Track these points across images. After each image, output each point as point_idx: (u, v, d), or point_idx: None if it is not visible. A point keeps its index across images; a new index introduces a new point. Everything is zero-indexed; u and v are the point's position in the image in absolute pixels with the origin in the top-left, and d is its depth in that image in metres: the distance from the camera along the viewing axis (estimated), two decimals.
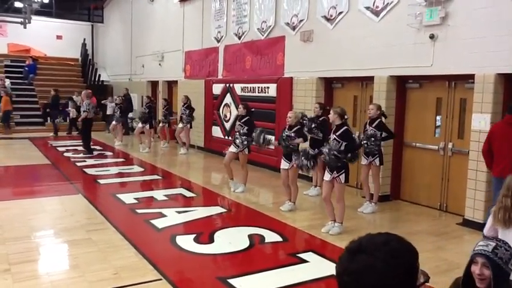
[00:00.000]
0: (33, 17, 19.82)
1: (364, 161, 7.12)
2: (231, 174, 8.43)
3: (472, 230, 6.16)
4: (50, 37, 21.89)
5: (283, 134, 6.96)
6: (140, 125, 13.32)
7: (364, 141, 6.95)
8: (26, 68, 20.12)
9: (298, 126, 7.04)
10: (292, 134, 6.89)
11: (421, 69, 7.13)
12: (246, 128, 8.05)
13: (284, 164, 7.06)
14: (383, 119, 7.11)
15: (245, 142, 8.03)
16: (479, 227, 6.22)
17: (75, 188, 8.39)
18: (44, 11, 22.12)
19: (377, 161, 7.05)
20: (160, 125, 13.98)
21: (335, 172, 5.88)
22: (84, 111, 12.18)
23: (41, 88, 19.61)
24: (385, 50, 7.67)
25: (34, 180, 9.34)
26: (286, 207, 7.09)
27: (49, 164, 10.99)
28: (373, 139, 6.93)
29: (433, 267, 4.52)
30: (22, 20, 19.47)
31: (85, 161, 11.30)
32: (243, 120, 8.15)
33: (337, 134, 5.94)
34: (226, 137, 12.12)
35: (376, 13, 7.81)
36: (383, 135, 7.01)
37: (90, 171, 10.01)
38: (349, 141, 6.00)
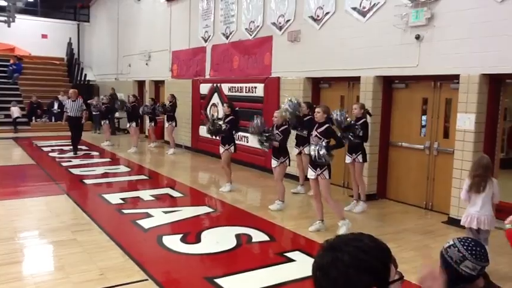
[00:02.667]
0: (18, 16, 19.49)
1: (348, 159, 7.15)
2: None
3: (457, 229, 6.21)
4: (35, 36, 21.63)
5: (266, 134, 6.92)
6: (128, 124, 13.25)
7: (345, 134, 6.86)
8: (10, 68, 19.85)
9: (285, 126, 7.05)
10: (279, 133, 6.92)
11: (407, 70, 7.19)
12: (228, 126, 8.05)
13: (273, 163, 7.08)
14: (368, 118, 7.15)
15: (228, 141, 8.03)
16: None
17: (61, 189, 8.30)
18: (29, 10, 21.84)
19: (360, 158, 7.08)
20: (148, 124, 13.91)
21: (318, 169, 5.91)
22: (84, 110, 12.12)
23: (25, 88, 19.37)
24: (371, 51, 7.72)
25: (18, 180, 9.20)
26: (275, 207, 7.09)
27: (34, 164, 10.85)
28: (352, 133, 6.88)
29: (419, 265, 4.56)
30: (6, 18, 19.17)
31: (70, 161, 11.19)
32: (227, 119, 8.15)
33: (319, 130, 5.97)
34: (213, 137, 12.07)
35: (363, 14, 7.86)
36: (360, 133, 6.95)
37: (76, 171, 9.91)
38: (335, 138, 6.07)
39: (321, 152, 5.75)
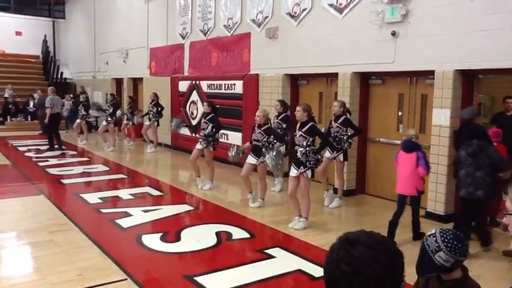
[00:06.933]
0: None
1: (327, 154, 7.22)
2: (198, 171, 8.41)
3: (435, 222, 6.34)
4: (9, 33, 21.12)
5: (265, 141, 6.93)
6: (104, 123, 13.11)
7: (336, 139, 7.03)
8: None
9: (268, 125, 7.07)
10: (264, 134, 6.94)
11: (384, 66, 7.28)
12: (210, 125, 8.03)
13: (251, 159, 7.07)
14: (348, 115, 7.23)
15: (210, 139, 8.03)
16: (441, 219, 6.43)
17: (37, 189, 8.15)
18: (1, 6, 21.35)
19: (341, 157, 7.16)
20: (125, 122, 13.80)
21: (302, 167, 5.94)
22: (47, 107, 12.04)
23: (1, 86, 18.94)
24: (348, 47, 7.79)
25: None
26: (255, 204, 7.11)
27: (9, 164, 10.64)
28: (342, 139, 7.02)
29: None
30: None
31: (48, 160, 11.00)
32: (208, 117, 8.13)
33: (303, 130, 6.00)
34: (193, 135, 12.04)
35: (340, 10, 7.91)
36: (349, 133, 7.10)
37: (53, 171, 9.75)
38: (320, 136, 6.14)
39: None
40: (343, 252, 1.20)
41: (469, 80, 6.52)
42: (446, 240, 2.34)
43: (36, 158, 11.43)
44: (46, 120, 12.42)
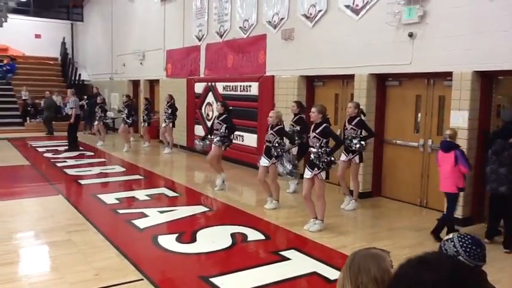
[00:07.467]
0: (10, 16, 19.38)
1: (343, 157, 7.17)
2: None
3: None
4: (28, 36, 21.55)
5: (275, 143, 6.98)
6: (122, 125, 13.25)
7: (347, 142, 7.01)
8: (4, 68, 19.78)
9: (280, 126, 7.06)
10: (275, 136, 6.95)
11: (400, 67, 7.22)
12: (224, 125, 8.07)
13: (263, 161, 7.07)
14: (362, 116, 7.18)
15: (223, 139, 8.06)
16: (459, 222, 6.34)
17: (56, 189, 8.27)
18: (21, 9, 21.74)
19: (357, 159, 7.11)
20: (142, 124, 13.94)
21: (316, 169, 5.91)
22: (71, 108, 12.66)
23: (19, 88, 19.28)
24: (365, 48, 7.74)
25: (13, 181, 9.17)
26: (270, 206, 7.10)
27: (28, 164, 10.81)
28: (353, 139, 6.99)
29: None
30: None
31: (66, 161, 11.15)
32: (221, 118, 8.17)
33: (317, 131, 5.98)
34: (208, 136, 12.07)
35: (356, 11, 7.87)
36: (363, 134, 7.07)
37: (71, 171, 9.88)
38: (334, 138, 6.11)
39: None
40: (412, 270, 1.26)
41: (487, 82, 6.43)
42: (464, 245, 2.30)
43: (55, 158, 11.59)
44: (71, 120, 12.77)
